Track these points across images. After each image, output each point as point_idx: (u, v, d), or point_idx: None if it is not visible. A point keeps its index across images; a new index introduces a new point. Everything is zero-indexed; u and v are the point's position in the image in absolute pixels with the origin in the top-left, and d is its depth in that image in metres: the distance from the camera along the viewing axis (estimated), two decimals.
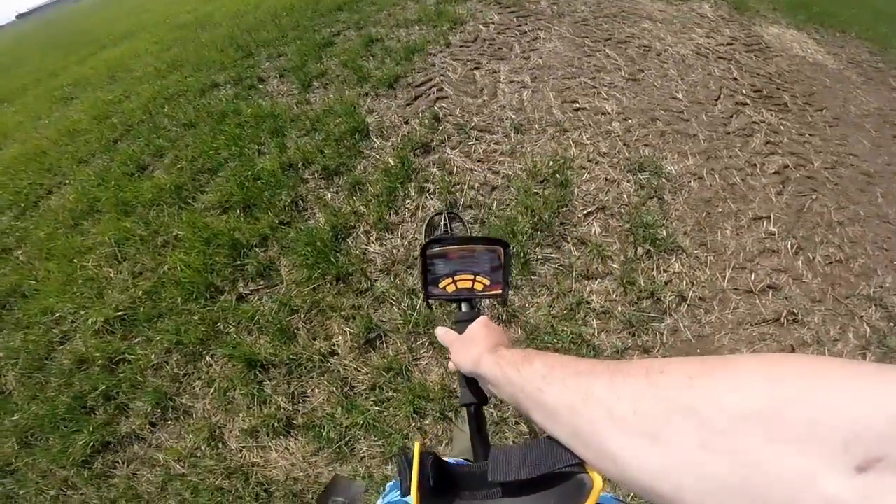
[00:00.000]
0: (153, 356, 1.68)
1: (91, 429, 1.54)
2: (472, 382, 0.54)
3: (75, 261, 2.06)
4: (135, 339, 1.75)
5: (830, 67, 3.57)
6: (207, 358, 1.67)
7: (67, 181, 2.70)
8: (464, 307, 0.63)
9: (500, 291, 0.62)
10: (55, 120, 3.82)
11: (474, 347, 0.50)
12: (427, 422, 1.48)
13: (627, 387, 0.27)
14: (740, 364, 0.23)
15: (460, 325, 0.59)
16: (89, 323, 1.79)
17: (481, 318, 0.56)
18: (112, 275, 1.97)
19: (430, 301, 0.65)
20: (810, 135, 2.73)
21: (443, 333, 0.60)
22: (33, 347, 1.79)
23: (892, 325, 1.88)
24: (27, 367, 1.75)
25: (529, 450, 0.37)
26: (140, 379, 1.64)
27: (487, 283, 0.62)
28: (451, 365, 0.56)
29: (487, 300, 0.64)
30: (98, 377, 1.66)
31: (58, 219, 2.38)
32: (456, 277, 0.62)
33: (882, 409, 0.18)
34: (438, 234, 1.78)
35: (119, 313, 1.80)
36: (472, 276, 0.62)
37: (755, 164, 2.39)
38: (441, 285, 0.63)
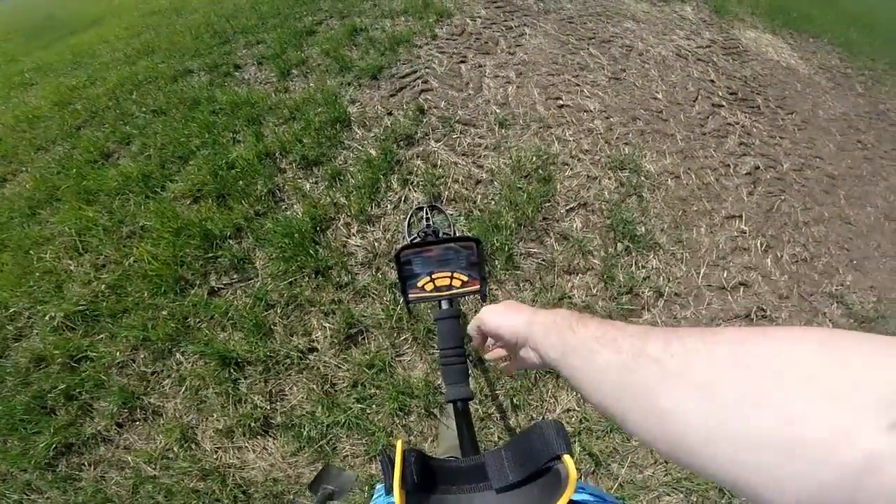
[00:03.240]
0: (118, 354, 1.58)
1: (53, 430, 1.44)
2: (459, 377, 0.54)
3: (31, 252, 1.92)
4: (97, 336, 1.64)
5: (802, 72, 3.73)
6: (177, 355, 1.58)
7: (24, 168, 2.52)
8: (444, 304, 0.63)
9: (479, 287, 0.63)
10: (13, 106, 3.55)
11: (523, 309, 0.47)
12: (411, 419, 1.45)
13: (681, 346, 0.28)
14: (792, 330, 0.24)
15: (441, 322, 0.59)
16: (47, 319, 1.67)
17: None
18: (72, 267, 1.84)
19: (411, 305, 0.65)
20: (781, 137, 2.85)
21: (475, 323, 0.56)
22: None
23: (852, 321, 1.98)
24: None
25: (513, 451, 0.39)
26: (104, 378, 1.54)
27: (465, 279, 0.62)
28: (487, 319, 0.51)
29: (467, 297, 0.67)
30: (58, 376, 1.55)
31: (12, 207, 2.21)
32: (434, 276, 0.62)
33: None
34: (422, 227, 1.75)
35: (80, 308, 1.68)
36: (449, 274, 0.62)
37: (729, 165, 2.48)
38: (420, 284, 0.62)
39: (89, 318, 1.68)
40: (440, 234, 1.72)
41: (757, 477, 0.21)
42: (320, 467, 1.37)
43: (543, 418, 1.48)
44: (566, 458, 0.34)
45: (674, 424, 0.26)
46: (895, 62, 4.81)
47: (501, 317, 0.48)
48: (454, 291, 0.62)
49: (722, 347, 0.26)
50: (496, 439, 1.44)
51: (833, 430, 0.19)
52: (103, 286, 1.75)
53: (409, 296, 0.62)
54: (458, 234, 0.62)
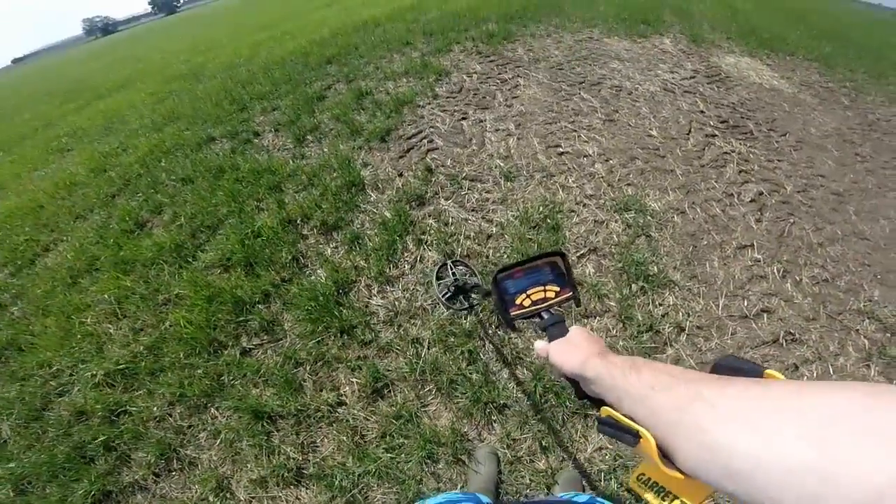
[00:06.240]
0: (156, 408, 1.67)
1: (92, 478, 1.51)
2: (574, 383, 0.58)
3: (73, 317, 2.06)
4: (136, 392, 1.73)
5: (787, 92, 3.79)
6: (212, 410, 1.66)
7: (65, 238, 2.71)
8: (545, 315, 0.69)
9: (571, 294, 0.70)
10: (52, 172, 3.82)
11: (579, 351, 0.55)
12: (440, 466, 1.49)
13: (736, 389, 0.32)
14: (844, 383, 0.27)
15: (550, 329, 0.64)
16: (88, 376, 1.78)
17: (579, 327, 0.62)
18: (112, 331, 1.97)
19: (514, 322, 0.70)
20: (778, 160, 2.89)
21: (541, 345, 0.64)
22: (30, 399, 1.77)
23: (889, 335, 1.92)
24: (23, 417, 1.72)
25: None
26: (142, 430, 1.62)
27: (557, 289, 0.69)
28: (552, 360, 0.60)
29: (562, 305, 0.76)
30: (98, 428, 1.63)
31: (55, 276, 2.38)
32: (528, 291, 0.70)
33: None
34: (449, 280, 1.81)
35: (120, 367, 1.79)
36: (542, 287, 0.69)
37: (732, 194, 2.50)
38: (518, 302, 0.69)
39: (128, 376, 1.78)
40: (470, 283, 1.78)
41: (795, 499, 0.24)
42: None
43: (570, 468, 1.51)
44: (771, 371, 0.37)
45: (725, 455, 0.29)
46: (872, 70, 4.84)
47: (562, 358, 0.57)
48: (550, 302, 0.69)
49: (780, 391, 0.29)
50: (527, 481, 1.45)
51: (868, 463, 0.22)
52: (141, 347, 1.86)
53: (511, 313, 0.68)
54: (541, 252, 0.72)
